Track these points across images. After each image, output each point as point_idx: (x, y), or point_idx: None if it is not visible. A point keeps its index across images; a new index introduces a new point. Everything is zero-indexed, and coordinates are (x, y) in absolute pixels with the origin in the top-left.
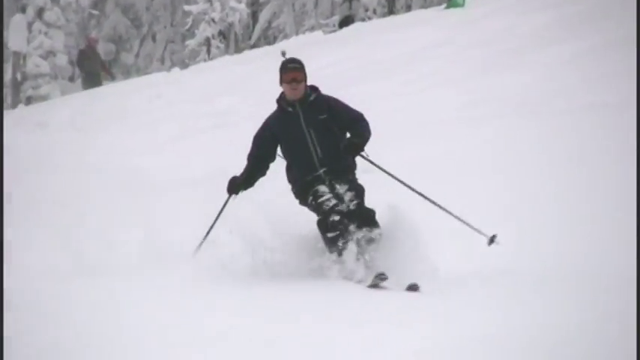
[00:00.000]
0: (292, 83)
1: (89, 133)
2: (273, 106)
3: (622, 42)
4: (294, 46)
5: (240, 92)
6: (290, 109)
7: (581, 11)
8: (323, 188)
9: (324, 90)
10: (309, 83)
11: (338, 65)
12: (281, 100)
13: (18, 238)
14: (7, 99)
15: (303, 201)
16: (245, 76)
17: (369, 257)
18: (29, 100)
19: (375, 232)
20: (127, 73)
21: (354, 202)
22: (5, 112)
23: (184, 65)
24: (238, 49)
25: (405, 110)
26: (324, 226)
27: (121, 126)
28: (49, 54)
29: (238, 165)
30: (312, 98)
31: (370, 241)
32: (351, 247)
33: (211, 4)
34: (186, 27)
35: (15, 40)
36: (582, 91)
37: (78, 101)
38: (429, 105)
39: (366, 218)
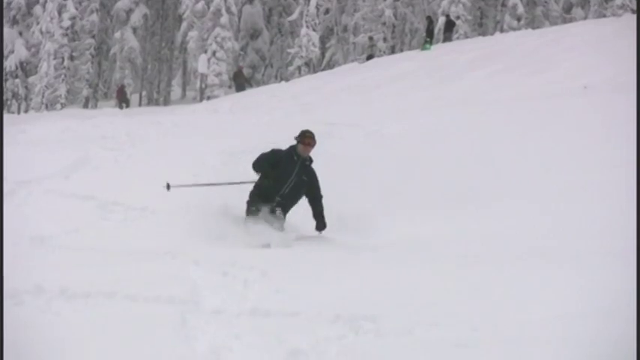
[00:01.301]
0: (308, 147)
1: (239, 115)
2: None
3: (519, 66)
4: (344, 69)
5: (314, 93)
6: (295, 158)
7: (493, 51)
8: (264, 208)
9: (366, 88)
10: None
11: (364, 79)
12: (293, 149)
13: None
14: (197, 98)
15: (250, 205)
16: (317, 85)
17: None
18: (208, 98)
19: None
20: (257, 84)
21: (281, 215)
22: (195, 104)
23: (287, 80)
24: (315, 72)
25: (397, 102)
26: (249, 215)
27: (254, 111)
28: (218, 74)
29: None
30: (307, 163)
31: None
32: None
33: (301, 48)
34: (288, 60)
35: (202, 68)
36: (494, 92)
37: (233, 99)
38: (409, 100)
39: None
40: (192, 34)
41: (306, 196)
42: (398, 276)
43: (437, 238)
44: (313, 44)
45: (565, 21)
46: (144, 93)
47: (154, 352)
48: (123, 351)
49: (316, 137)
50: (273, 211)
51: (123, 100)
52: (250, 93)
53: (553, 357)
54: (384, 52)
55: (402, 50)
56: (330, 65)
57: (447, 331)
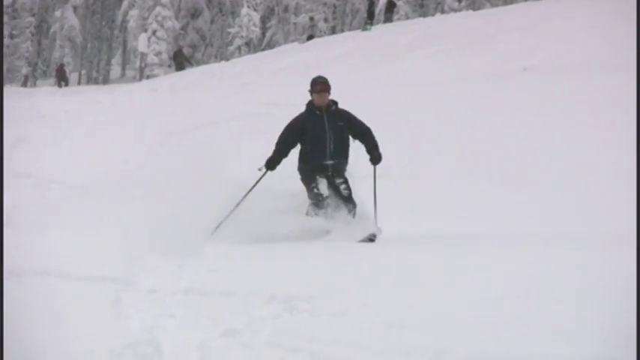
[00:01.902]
0: (321, 93)
1: (179, 95)
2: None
3: (460, 47)
4: (285, 50)
5: (254, 73)
6: (317, 112)
7: (434, 32)
8: (322, 186)
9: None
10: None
11: (305, 59)
12: (310, 104)
13: None
14: (137, 77)
15: (306, 181)
16: (257, 65)
17: (347, 219)
18: (148, 77)
19: (353, 209)
20: (198, 64)
21: (347, 192)
22: (135, 84)
23: (227, 60)
24: (255, 52)
25: (338, 82)
26: (314, 204)
27: (194, 91)
28: (158, 53)
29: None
30: (333, 109)
31: (349, 211)
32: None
33: (241, 28)
34: (229, 39)
35: (142, 47)
36: (435, 72)
37: (173, 78)
38: (350, 80)
39: (349, 201)
40: (133, 12)
41: (354, 138)
42: (335, 257)
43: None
44: (254, 24)
45: (506, 2)
46: (83, 72)
47: (88, 330)
48: (57, 329)
49: (319, 84)
50: (330, 180)
51: (62, 79)
52: (190, 72)
53: (482, 336)
54: (325, 33)
55: (342, 31)
56: (270, 45)
57: (380, 312)
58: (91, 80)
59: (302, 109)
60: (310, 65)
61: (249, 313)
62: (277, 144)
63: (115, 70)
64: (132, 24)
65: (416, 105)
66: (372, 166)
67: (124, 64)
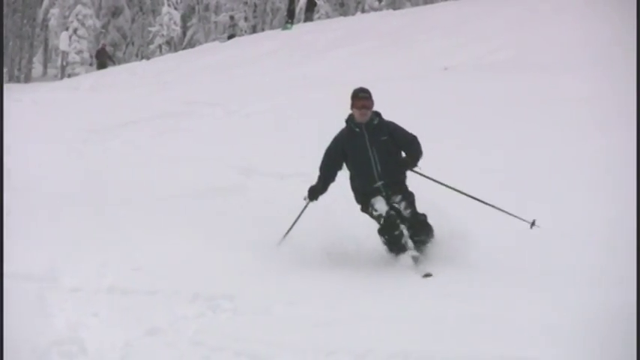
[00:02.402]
0: (362, 109)
1: (100, 93)
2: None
3: (380, 46)
4: (205, 49)
5: (175, 72)
6: (357, 129)
7: (355, 31)
8: (379, 204)
9: (226, 67)
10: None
11: (226, 58)
12: (349, 121)
13: None
14: (59, 76)
15: (364, 208)
16: (178, 64)
17: (421, 256)
18: (69, 76)
19: (429, 239)
20: (119, 63)
21: (408, 210)
22: (56, 82)
23: (148, 59)
24: (176, 50)
25: (259, 81)
26: (384, 234)
27: (116, 89)
28: (79, 52)
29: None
30: (375, 122)
31: (423, 243)
32: (407, 253)
33: (162, 27)
34: (150, 38)
35: (63, 45)
36: (356, 72)
37: (94, 77)
38: (271, 79)
39: (421, 226)
40: (54, 11)
41: (402, 150)
42: (259, 257)
43: None
44: (174, 23)
45: (426, 2)
46: (5, 70)
47: (12, 327)
48: None
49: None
50: (388, 199)
51: None
52: (111, 71)
53: (407, 336)
54: (246, 32)
55: (263, 30)
56: (191, 44)
57: (305, 311)
58: (13, 79)
59: (220, 109)
60: (231, 64)
61: (173, 312)
62: (320, 169)
63: (37, 69)
64: (53, 22)
65: (337, 104)
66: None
67: (45, 63)
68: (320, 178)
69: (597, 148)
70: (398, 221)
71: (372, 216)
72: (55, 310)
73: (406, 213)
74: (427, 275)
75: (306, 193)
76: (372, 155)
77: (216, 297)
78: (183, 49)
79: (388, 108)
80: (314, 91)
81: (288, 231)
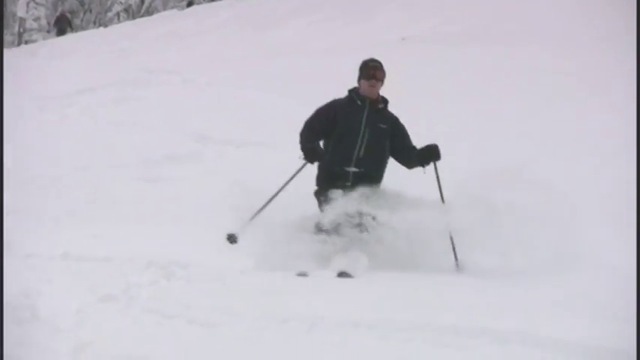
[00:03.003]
0: (372, 80)
1: (57, 60)
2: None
3: (339, 16)
4: (163, 17)
5: (133, 40)
6: (359, 102)
7: (315, 1)
8: (336, 201)
9: (184, 36)
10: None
11: (184, 26)
12: (353, 91)
13: None
14: (15, 42)
15: (319, 189)
16: (136, 32)
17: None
18: (26, 43)
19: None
20: (76, 30)
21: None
22: (13, 49)
23: (106, 26)
24: (134, 18)
25: (217, 50)
26: (318, 226)
27: (73, 57)
28: (37, 19)
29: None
30: (380, 106)
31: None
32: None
33: None
34: (107, 6)
35: (21, 12)
36: (315, 41)
37: (52, 44)
38: (230, 48)
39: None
40: None
41: (393, 155)
42: (211, 227)
43: None
44: None
45: None
46: None
47: None
48: None
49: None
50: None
51: None
52: (69, 38)
53: (359, 305)
54: (204, 0)
55: None
56: (149, 12)
57: (257, 279)
58: None
59: (179, 77)
60: (189, 32)
61: (126, 279)
62: (302, 133)
63: None
64: None
65: (297, 74)
66: (428, 167)
67: (1, 29)
68: (304, 140)
69: (563, 118)
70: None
71: (320, 203)
72: (8, 276)
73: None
74: (343, 274)
75: (301, 155)
76: (362, 136)
77: (170, 265)
78: (142, 17)
79: (348, 76)
80: (274, 60)
81: (273, 197)
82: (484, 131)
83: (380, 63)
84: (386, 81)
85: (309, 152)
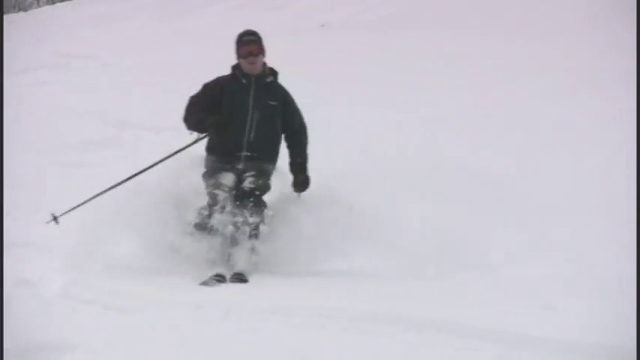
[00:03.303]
0: (249, 57)
1: None
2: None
3: (257, 2)
4: (83, 1)
5: (54, 24)
6: (244, 80)
7: None
8: (227, 181)
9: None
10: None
11: (105, 11)
12: (236, 69)
13: None
14: None
15: (206, 175)
16: (56, 15)
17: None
18: None
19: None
20: None
21: (252, 186)
22: None
23: (26, 10)
24: (54, 3)
25: (137, 35)
26: (204, 210)
27: None
28: None
29: None
30: (268, 80)
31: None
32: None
33: None
34: None
35: None
36: (233, 27)
37: None
38: (149, 33)
39: (255, 204)
40: None
41: (282, 131)
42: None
43: None
44: None
45: None
46: None
47: None
48: None
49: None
50: (240, 176)
51: None
52: None
53: (276, 290)
54: None
55: None
56: None
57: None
58: None
59: (98, 61)
60: (110, 17)
61: (40, 264)
62: (188, 108)
63: None
64: None
65: (218, 59)
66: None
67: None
68: (191, 112)
69: (495, 101)
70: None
71: (207, 189)
72: None
73: (247, 187)
74: (238, 277)
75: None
76: (251, 117)
77: (81, 252)
78: (61, 1)
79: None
80: (193, 45)
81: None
82: (398, 116)
83: (255, 35)
84: (304, 67)
85: (201, 121)
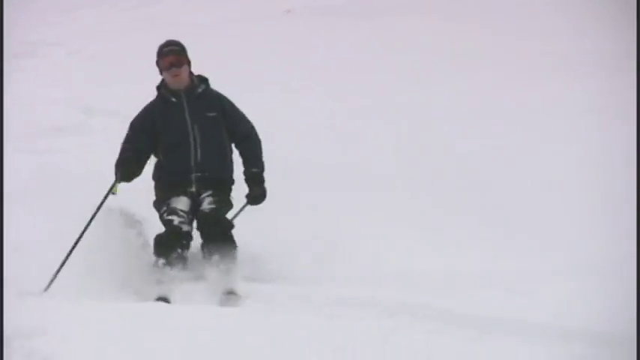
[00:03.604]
0: (172, 69)
1: None
2: None
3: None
4: None
5: (18, 10)
6: (173, 99)
7: None
8: (181, 206)
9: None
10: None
11: None
12: (162, 87)
13: None
14: None
15: (157, 204)
16: (19, 2)
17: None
18: None
19: (228, 254)
20: None
21: (213, 206)
22: None
23: None
24: None
25: (99, 23)
26: (161, 239)
27: None
28: None
29: None
30: (200, 90)
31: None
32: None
33: None
34: None
35: None
36: (194, 15)
37: None
38: (112, 21)
39: (216, 229)
40: None
41: (230, 140)
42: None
43: None
44: None
45: None
46: None
47: None
48: None
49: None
50: (195, 199)
51: None
52: None
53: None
54: None
55: None
56: None
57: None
58: None
59: (62, 49)
60: (73, 5)
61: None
62: (126, 144)
63: None
64: None
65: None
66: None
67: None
68: (122, 152)
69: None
70: (184, 241)
71: (161, 218)
72: None
73: (208, 208)
74: (230, 293)
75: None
76: (193, 136)
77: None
78: None
79: (236, 58)
80: (156, 32)
81: (86, 228)
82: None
83: (177, 45)
84: (271, 55)
85: (119, 166)
